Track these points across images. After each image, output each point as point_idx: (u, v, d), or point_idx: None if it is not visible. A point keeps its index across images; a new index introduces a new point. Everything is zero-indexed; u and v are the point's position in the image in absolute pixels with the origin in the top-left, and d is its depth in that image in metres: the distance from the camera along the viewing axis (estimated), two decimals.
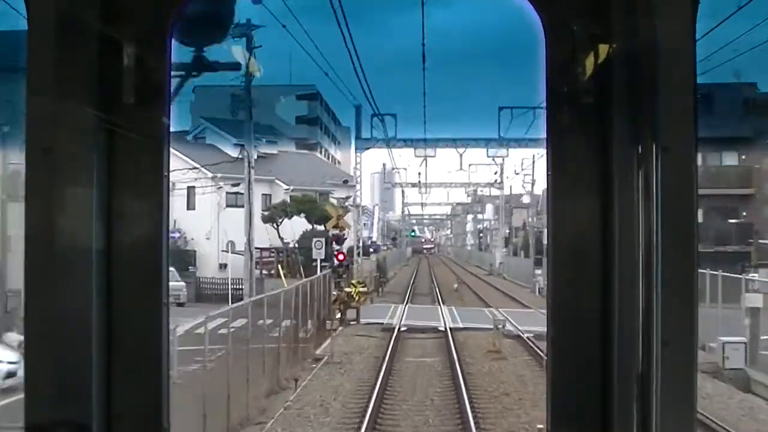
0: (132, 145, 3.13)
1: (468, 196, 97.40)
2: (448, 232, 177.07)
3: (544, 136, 3.20)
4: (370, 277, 62.32)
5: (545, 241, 33.09)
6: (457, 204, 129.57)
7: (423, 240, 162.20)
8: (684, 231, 2.85)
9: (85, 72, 3.04)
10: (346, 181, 59.10)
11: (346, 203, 60.77)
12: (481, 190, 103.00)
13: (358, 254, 59.34)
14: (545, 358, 3.42)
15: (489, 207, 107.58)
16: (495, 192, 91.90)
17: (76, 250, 3.05)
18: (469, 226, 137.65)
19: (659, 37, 2.85)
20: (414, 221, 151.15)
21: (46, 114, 2.97)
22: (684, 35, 2.87)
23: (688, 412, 2.88)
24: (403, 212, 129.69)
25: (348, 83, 76.20)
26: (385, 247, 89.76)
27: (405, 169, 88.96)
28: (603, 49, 3.06)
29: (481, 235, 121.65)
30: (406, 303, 55.83)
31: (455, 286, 66.54)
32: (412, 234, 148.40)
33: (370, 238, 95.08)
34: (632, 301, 2.96)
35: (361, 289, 54.34)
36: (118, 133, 3.11)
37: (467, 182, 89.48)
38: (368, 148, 58.31)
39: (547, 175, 3.19)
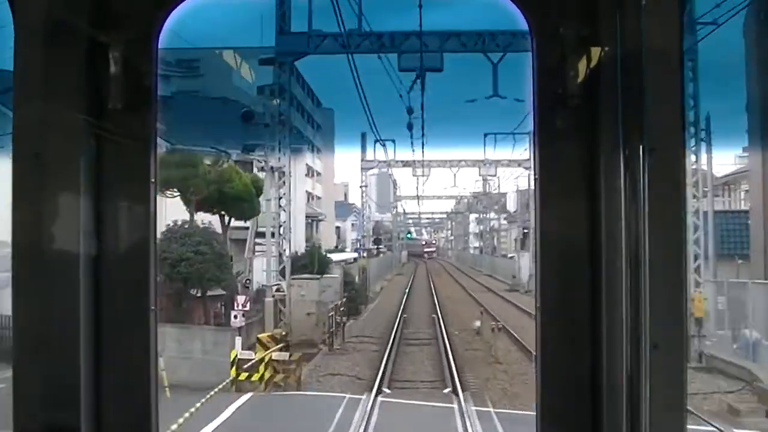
0: (120, 149, 3.05)
1: (482, 179, 67.07)
2: (449, 233, 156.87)
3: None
4: (319, 314, 30.68)
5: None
6: (462, 196, 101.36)
7: (423, 242, 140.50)
8: (672, 232, 2.81)
9: (72, 77, 2.97)
10: (247, 116, 26.83)
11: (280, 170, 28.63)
12: (490, 182, 74.23)
13: (281, 274, 27.59)
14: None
15: (510, 196, 77.27)
16: (505, 187, 71.09)
17: (64, 256, 2.96)
18: (473, 227, 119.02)
19: (647, 39, 2.83)
20: (410, 221, 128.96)
21: (34, 119, 2.92)
22: (672, 37, 2.85)
23: (678, 413, 2.79)
24: (395, 206, 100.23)
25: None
26: (365, 254, 58.81)
27: (393, 141, 58.37)
28: (591, 51, 3.00)
29: (486, 236, 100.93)
30: (379, 387, 23.74)
31: (477, 325, 34.86)
32: (409, 236, 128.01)
33: (359, 240, 75.79)
34: (621, 303, 2.89)
35: (279, 357, 22.63)
36: (106, 138, 3.04)
37: (482, 160, 58.33)
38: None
39: (535, 177, 3.12)
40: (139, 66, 3.00)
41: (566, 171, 3.05)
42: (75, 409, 2.92)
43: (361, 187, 60.71)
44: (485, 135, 58.05)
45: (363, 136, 59.68)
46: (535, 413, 3.08)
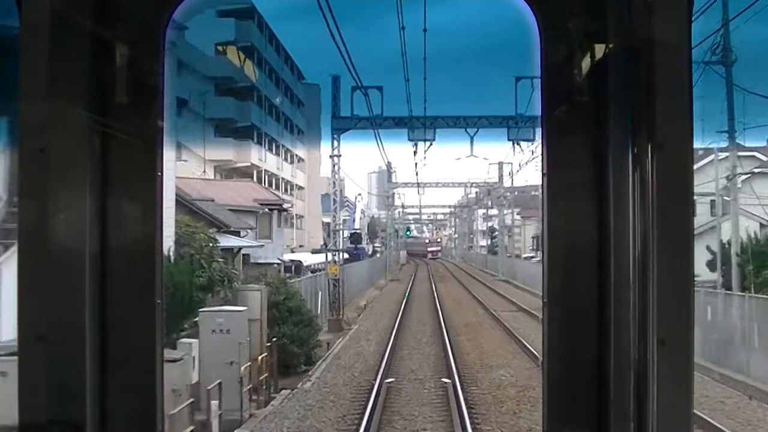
0: (125, 146, 3.01)
1: (512, 144, 46.37)
2: (452, 231, 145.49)
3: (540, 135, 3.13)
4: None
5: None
6: (473, 184, 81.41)
7: (426, 241, 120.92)
8: (680, 230, 2.78)
9: (78, 73, 2.93)
10: None
11: None
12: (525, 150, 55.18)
13: None
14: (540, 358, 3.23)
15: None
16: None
17: (70, 251, 2.93)
18: (479, 223, 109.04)
19: (655, 35, 2.78)
20: (410, 218, 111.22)
21: (39, 115, 2.87)
22: (680, 33, 2.79)
23: (686, 411, 2.75)
24: (392, 197, 79.86)
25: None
26: (342, 257, 37.92)
27: (380, 88, 37.65)
28: (599, 48, 2.98)
29: (495, 234, 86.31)
30: None
31: None
32: (408, 233, 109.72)
33: (347, 236, 62.50)
34: (628, 301, 2.88)
35: None
36: (111, 135, 3.01)
37: (513, 116, 37.40)
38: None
39: (543, 174, 3.07)
40: (144, 61, 2.99)
41: (574, 167, 3.03)
42: (80, 403, 2.89)
43: (331, 156, 39.30)
44: (517, 79, 37.12)
45: (335, 80, 38.44)
46: (540, 409, 3.04)
